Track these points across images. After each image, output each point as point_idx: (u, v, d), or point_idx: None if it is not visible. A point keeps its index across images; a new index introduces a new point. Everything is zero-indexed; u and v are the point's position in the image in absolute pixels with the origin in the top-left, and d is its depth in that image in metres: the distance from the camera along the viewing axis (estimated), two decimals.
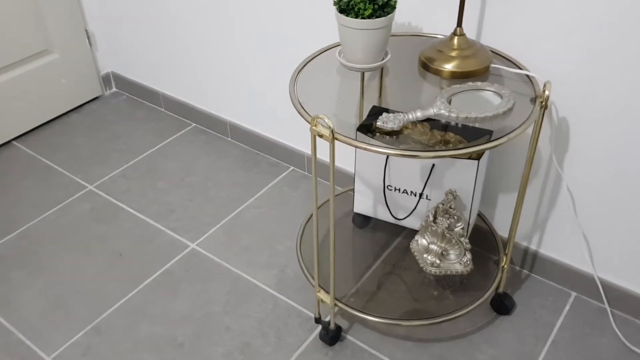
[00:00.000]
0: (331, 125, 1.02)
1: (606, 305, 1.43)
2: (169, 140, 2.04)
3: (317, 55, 1.29)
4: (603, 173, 1.30)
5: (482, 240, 1.51)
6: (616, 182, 1.29)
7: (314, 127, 1.05)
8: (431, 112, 1.08)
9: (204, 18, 1.83)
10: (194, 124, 2.11)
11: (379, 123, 1.06)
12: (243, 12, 1.72)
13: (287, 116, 1.82)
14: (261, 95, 1.85)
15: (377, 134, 1.05)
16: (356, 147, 1.02)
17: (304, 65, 1.25)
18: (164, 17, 1.94)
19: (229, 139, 2.03)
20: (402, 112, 1.07)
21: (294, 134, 1.85)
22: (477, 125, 1.08)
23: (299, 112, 1.11)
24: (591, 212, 1.36)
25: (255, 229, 1.68)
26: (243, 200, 1.78)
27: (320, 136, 1.05)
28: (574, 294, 1.48)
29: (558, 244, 1.46)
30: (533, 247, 1.51)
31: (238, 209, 1.75)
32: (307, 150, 1.84)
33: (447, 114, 1.07)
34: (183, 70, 2.02)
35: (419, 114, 1.07)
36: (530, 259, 1.53)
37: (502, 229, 1.54)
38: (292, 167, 1.90)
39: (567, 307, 1.45)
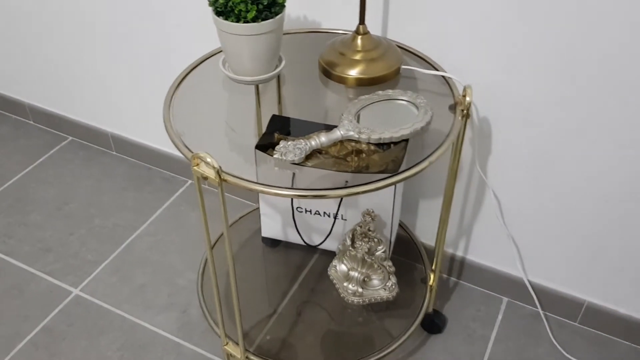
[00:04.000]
0: (216, 165, 0.82)
1: (539, 309, 1.34)
2: (41, 160, 1.74)
3: (196, 66, 1.07)
4: (527, 174, 1.18)
5: (406, 250, 1.37)
6: (540, 183, 1.17)
7: (195, 168, 0.84)
8: (338, 134, 0.90)
9: (61, 16, 1.54)
10: (70, 138, 1.82)
11: (276, 155, 0.86)
12: (104, 8, 1.45)
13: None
14: (143, 101, 1.60)
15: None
16: (252, 190, 0.83)
17: (181, 82, 1.03)
18: (19, 19, 1.63)
19: (114, 153, 1.77)
20: (303, 139, 0.88)
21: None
22: (392, 146, 0.91)
23: (177, 148, 0.89)
24: (517, 215, 1.25)
25: (150, 263, 1.45)
26: (134, 228, 1.54)
27: (205, 178, 0.84)
28: (505, 299, 1.38)
29: (485, 248, 1.35)
30: (460, 253, 1.39)
31: (128, 239, 1.51)
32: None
33: (357, 136, 0.90)
34: (49, 76, 1.72)
35: (323, 139, 0.89)
36: (457, 266, 1.41)
37: (424, 236, 1.41)
38: (190, 181, 1.68)
39: (500, 316, 1.35)
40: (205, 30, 1.34)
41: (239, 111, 0.99)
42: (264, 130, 0.93)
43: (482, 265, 1.37)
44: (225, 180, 0.83)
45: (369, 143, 0.90)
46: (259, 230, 1.41)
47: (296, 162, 0.86)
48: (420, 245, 1.34)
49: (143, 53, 1.48)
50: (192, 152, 0.85)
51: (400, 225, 1.38)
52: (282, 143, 0.87)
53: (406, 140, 1.17)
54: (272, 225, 1.31)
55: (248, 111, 0.99)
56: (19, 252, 1.47)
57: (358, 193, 0.83)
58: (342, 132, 0.90)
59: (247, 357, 1.11)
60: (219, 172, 0.82)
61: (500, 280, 1.36)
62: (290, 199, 1.22)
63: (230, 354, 1.11)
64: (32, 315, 1.33)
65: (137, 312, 1.34)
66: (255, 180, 0.83)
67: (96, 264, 1.45)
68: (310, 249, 1.39)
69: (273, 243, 1.40)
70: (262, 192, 0.82)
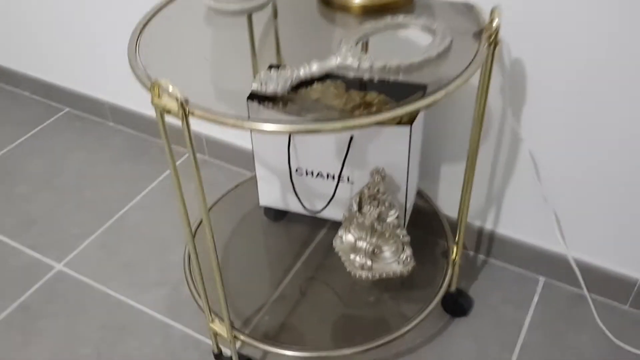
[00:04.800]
0: (178, 96, 0.66)
1: (584, 290, 1.14)
2: (33, 131, 1.62)
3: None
4: (570, 130, 0.99)
5: (425, 223, 1.19)
6: (587, 140, 0.99)
7: (156, 99, 0.69)
8: (333, 63, 0.73)
9: None
10: (67, 109, 1.70)
11: (254, 85, 0.70)
12: None
13: None
14: None
15: (281, 103, 0.70)
16: (223, 124, 0.67)
17: (155, 13, 0.88)
18: None
19: (111, 124, 1.64)
20: (290, 68, 0.72)
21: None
22: (400, 77, 0.74)
23: (139, 80, 0.74)
24: (558, 179, 1.06)
25: (141, 237, 1.31)
26: (127, 200, 1.40)
27: (168, 112, 0.69)
28: (542, 279, 1.20)
29: (519, 220, 1.16)
30: (488, 226, 1.21)
31: (119, 213, 1.37)
32: (204, 130, 1.47)
33: (355, 65, 0.73)
34: (45, 44, 1.60)
35: (314, 68, 0.72)
36: (486, 242, 1.23)
37: (447, 206, 1.23)
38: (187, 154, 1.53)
39: (536, 298, 1.16)
40: None
41: (225, 49, 0.84)
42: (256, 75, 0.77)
43: (515, 239, 1.18)
44: (192, 114, 0.68)
45: (376, 83, 0.73)
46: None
47: (279, 93, 0.70)
48: (441, 216, 1.17)
49: (136, 17, 1.34)
50: (151, 81, 0.70)
51: (420, 194, 1.21)
52: (263, 71, 0.71)
53: (423, 90, 1.01)
54: (271, 192, 1.16)
55: (236, 50, 0.83)
56: (2, 225, 1.35)
57: (357, 127, 0.66)
58: (338, 60, 0.73)
59: (234, 336, 0.95)
60: (182, 103, 0.67)
61: (537, 256, 1.18)
62: (287, 159, 1.06)
63: (217, 333, 0.95)
64: (8, 292, 1.20)
65: (123, 289, 1.20)
66: (228, 113, 0.67)
67: (83, 237, 1.32)
68: (317, 223, 1.23)
69: (276, 216, 1.25)
70: (236, 126, 0.66)
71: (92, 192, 1.43)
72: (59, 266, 1.26)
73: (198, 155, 1.51)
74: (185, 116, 0.67)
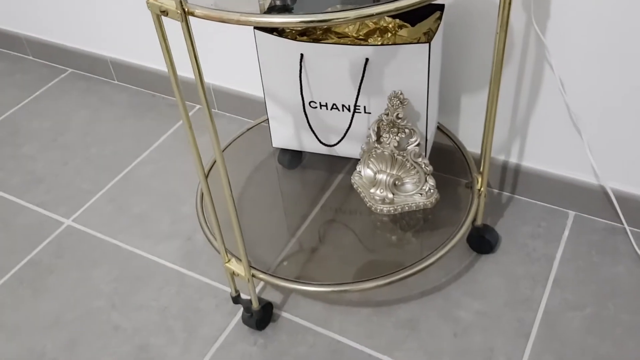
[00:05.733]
0: None
1: (622, 220, 1.08)
2: (37, 93, 1.58)
3: None
4: (600, 45, 0.92)
5: (446, 162, 1.14)
6: (617, 56, 0.92)
7: (152, 0, 0.64)
8: None
9: None
10: (70, 70, 1.65)
11: None
12: None
13: (184, 43, 1.39)
14: (142, 19, 1.40)
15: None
16: (223, 21, 0.61)
17: None
18: None
19: (115, 82, 1.59)
20: None
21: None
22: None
23: None
24: (588, 102, 0.99)
25: (151, 190, 1.27)
26: (135, 156, 1.36)
27: (165, 13, 0.64)
28: (572, 213, 1.13)
29: (546, 151, 1.10)
30: (513, 160, 1.15)
31: (128, 168, 1.33)
32: (215, 81, 1.42)
33: None
34: (41, 3, 1.55)
35: None
36: (511, 177, 1.17)
37: (469, 142, 1.17)
38: (198, 106, 1.48)
39: (567, 232, 1.10)
40: None
41: None
42: None
43: (542, 172, 1.12)
44: (191, 14, 0.62)
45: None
46: (273, 152, 1.20)
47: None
48: (463, 149, 1.11)
49: None
50: None
51: (440, 129, 1.15)
52: None
53: (441, 10, 0.95)
54: (284, 132, 1.10)
55: None
56: (7, 184, 1.31)
57: (372, 15, 0.60)
58: None
59: (252, 275, 0.91)
60: (181, 1, 0.61)
61: (566, 189, 1.11)
62: (299, 91, 1.00)
63: (234, 273, 0.91)
64: (18, 249, 1.17)
65: (135, 241, 1.16)
66: (233, 10, 0.62)
67: (91, 193, 1.27)
68: (332, 167, 1.18)
69: (290, 163, 1.20)
70: (240, 22, 0.61)
71: (99, 149, 1.39)
72: (67, 221, 1.22)
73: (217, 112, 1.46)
74: (185, 16, 0.62)
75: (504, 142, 1.13)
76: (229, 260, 0.92)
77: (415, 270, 0.90)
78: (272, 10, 0.64)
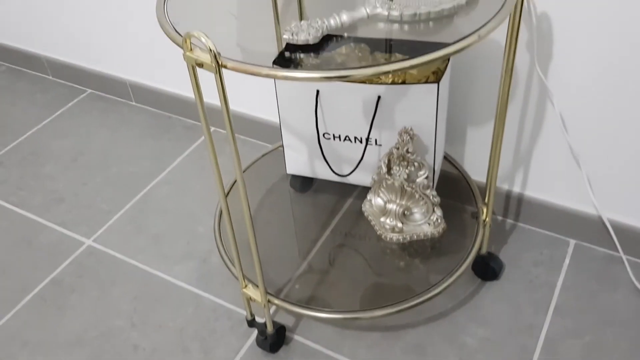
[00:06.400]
0: (212, 47, 0.66)
1: (619, 249, 1.13)
2: (57, 113, 1.64)
3: None
4: (599, 84, 0.97)
5: (452, 189, 1.18)
6: (616, 93, 0.97)
7: (188, 53, 0.69)
8: (363, 12, 0.73)
9: None
10: (89, 90, 1.71)
11: (285, 36, 0.70)
12: None
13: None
14: (160, 44, 1.46)
15: (311, 55, 0.70)
16: (256, 74, 0.67)
17: None
18: None
19: (133, 103, 1.65)
20: (319, 18, 0.71)
21: (211, 87, 1.48)
22: (431, 24, 0.73)
23: (167, 34, 0.74)
24: (588, 137, 1.04)
25: (168, 211, 1.32)
26: (152, 176, 1.41)
27: (200, 65, 0.69)
28: (572, 241, 1.18)
29: (548, 182, 1.15)
30: (517, 189, 1.20)
31: (146, 188, 1.38)
32: (231, 106, 1.47)
33: (385, 14, 0.72)
34: (64, 26, 1.61)
35: (344, 18, 0.72)
36: (514, 205, 1.22)
37: (475, 171, 1.22)
38: (213, 128, 1.54)
39: (568, 260, 1.15)
40: None
41: (252, 7, 0.83)
42: (280, 36, 0.77)
43: (544, 202, 1.17)
44: (224, 66, 0.67)
45: (401, 24, 0.73)
46: (285, 175, 1.25)
47: (310, 42, 0.70)
48: (469, 179, 1.16)
49: None
50: (183, 35, 0.70)
51: (446, 158, 1.20)
52: (294, 23, 0.71)
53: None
54: (298, 160, 1.15)
55: (262, 7, 0.83)
56: (30, 204, 1.36)
57: (389, 72, 0.65)
58: (368, 10, 0.73)
59: (268, 301, 0.96)
60: (216, 55, 0.67)
61: (567, 218, 1.16)
62: (315, 124, 1.05)
63: (251, 298, 0.96)
64: (40, 268, 1.22)
65: (153, 262, 1.21)
66: (261, 64, 0.67)
67: (111, 213, 1.33)
68: (344, 192, 1.23)
69: (302, 187, 1.25)
70: (269, 75, 0.66)
71: (118, 169, 1.44)
72: (88, 241, 1.27)
73: (223, 131, 1.52)
74: (218, 69, 0.67)
75: (508, 171, 1.18)
76: (246, 286, 0.96)
77: (423, 299, 0.95)
78: (290, 48, 0.69)
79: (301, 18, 0.77)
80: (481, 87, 1.09)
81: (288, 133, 1.12)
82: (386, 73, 0.65)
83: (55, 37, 1.66)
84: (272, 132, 1.44)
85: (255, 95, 1.40)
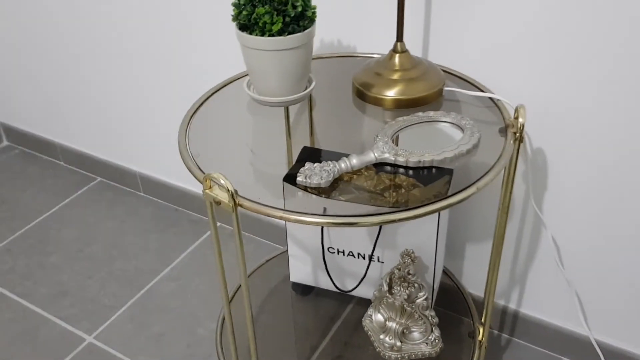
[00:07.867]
0: (230, 188, 0.71)
1: None
2: (67, 201, 1.68)
3: (220, 88, 0.99)
4: (591, 214, 1.03)
5: (449, 300, 1.21)
6: (607, 224, 1.02)
7: (207, 191, 0.74)
8: (371, 157, 0.79)
9: (96, 55, 1.51)
10: (99, 179, 1.77)
11: (299, 179, 0.76)
12: (139, 45, 1.41)
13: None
14: (171, 139, 1.53)
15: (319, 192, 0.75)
16: (271, 216, 0.72)
17: (201, 104, 0.95)
18: (54, 61, 1.61)
19: (141, 194, 1.70)
20: (331, 162, 0.77)
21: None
22: (434, 170, 0.79)
23: (189, 169, 0.80)
24: (581, 262, 1.09)
25: (170, 310, 1.34)
26: (156, 272, 1.44)
27: (218, 203, 0.74)
28: None
29: (542, 301, 1.18)
30: (512, 306, 1.23)
31: (149, 284, 1.41)
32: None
33: (392, 159, 0.78)
34: (80, 115, 1.68)
35: (354, 162, 0.78)
36: (510, 321, 1.24)
37: (472, 285, 1.25)
38: (219, 223, 1.58)
39: None
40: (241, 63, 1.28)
41: (265, 136, 0.90)
42: (293, 159, 0.83)
43: (539, 320, 1.20)
44: (240, 205, 0.73)
45: (407, 169, 0.79)
46: (289, 276, 1.28)
47: (322, 185, 0.75)
48: (467, 295, 1.19)
49: (172, 92, 1.43)
50: (205, 173, 0.75)
51: (445, 272, 1.24)
52: (307, 165, 0.77)
53: (450, 174, 1.06)
54: (302, 269, 1.19)
55: (275, 137, 0.89)
56: (35, 295, 1.38)
57: (394, 221, 0.71)
58: (376, 155, 0.79)
59: None
60: (233, 195, 0.72)
61: (560, 338, 1.19)
62: (320, 239, 1.10)
63: None
64: None
65: None
66: (275, 206, 0.72)
67: (113, 309, 1.35)
68: (344, 298, 1.25)
69: (304, 291, 1.27)
70: (283, 218, 0.71)
71: (123, 262, 1.47)
72: (89, 338, 1.28)
73: (228, 227, 1.56)
74: (235, 208, 0.72)
75: (504, 288, 1.22)
76: None
77: None
78: (298, 175, 0.74)
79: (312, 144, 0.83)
80: (480, 208, 1.14)
81: (293, 244, 1.16)
82: (391, 222, 0.70)
83: (70, 126, 1.74)
84: (277, 232, 1.48)
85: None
